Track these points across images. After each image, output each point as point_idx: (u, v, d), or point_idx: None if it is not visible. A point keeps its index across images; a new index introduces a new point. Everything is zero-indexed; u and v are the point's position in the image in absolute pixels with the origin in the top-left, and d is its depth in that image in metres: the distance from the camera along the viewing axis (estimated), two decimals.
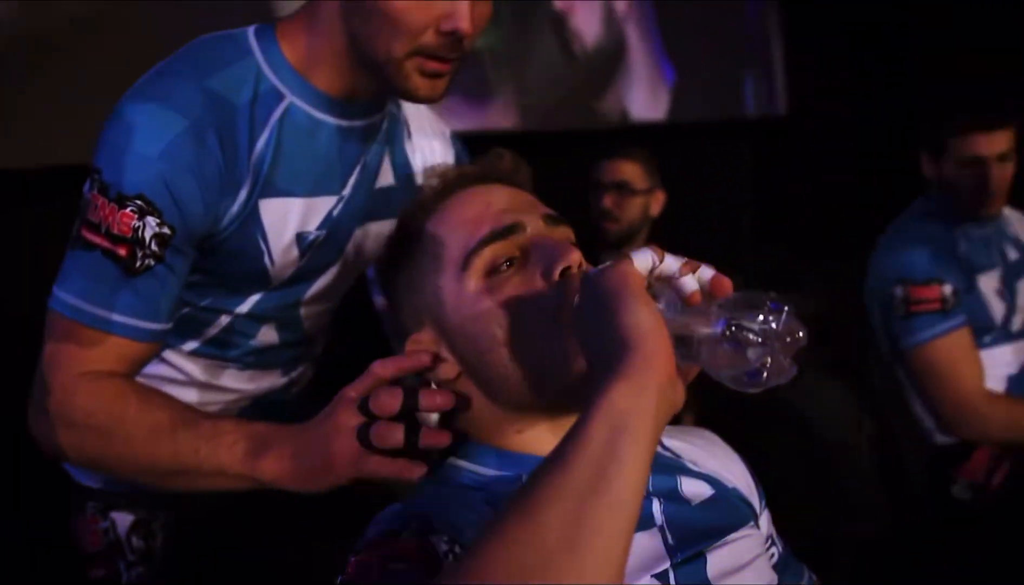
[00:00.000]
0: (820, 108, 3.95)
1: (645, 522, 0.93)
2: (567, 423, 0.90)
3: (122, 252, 1.04)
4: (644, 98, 3.82)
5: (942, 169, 2.04)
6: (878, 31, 3.87)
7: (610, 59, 3.74)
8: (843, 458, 1.98)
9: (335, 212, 1.18)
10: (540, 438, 0.94)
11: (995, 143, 2.00)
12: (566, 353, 0.87)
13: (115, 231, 1.04)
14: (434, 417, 0.98)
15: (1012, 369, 2.06)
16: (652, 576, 0.90)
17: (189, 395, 1.22)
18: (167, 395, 1.09)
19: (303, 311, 1.24)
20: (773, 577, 1.03)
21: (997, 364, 2.03)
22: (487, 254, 0.92)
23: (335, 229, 1.19)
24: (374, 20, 1.04)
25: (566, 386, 0.89)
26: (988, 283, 2.04)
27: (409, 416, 0.95)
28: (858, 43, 3.92)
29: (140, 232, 1.04)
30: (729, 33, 4.01)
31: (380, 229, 1.22)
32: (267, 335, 1.23)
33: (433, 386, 0.97)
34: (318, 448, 0.98)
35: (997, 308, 2.03)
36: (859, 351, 2.37)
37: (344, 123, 1.15)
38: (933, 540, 1.96)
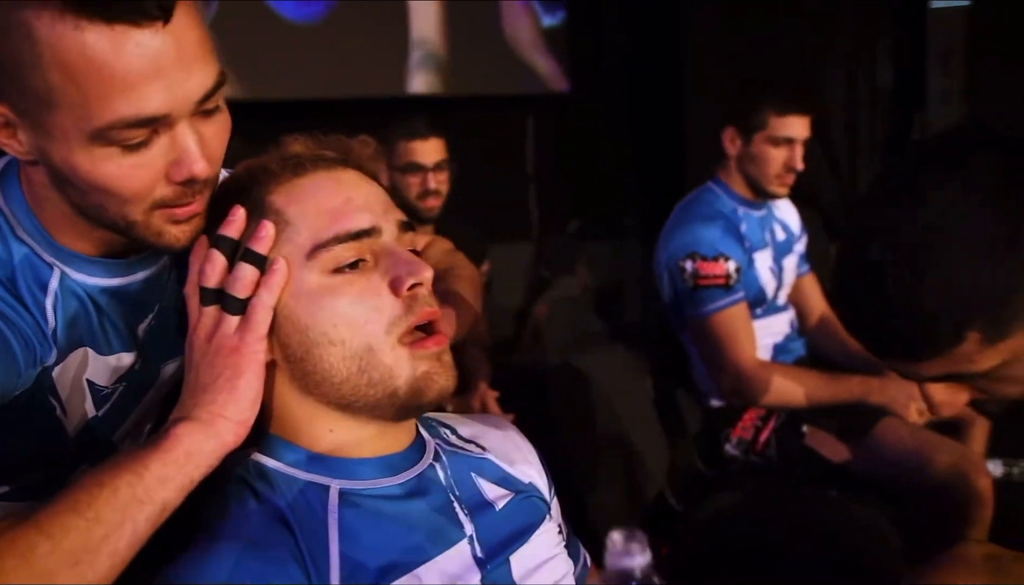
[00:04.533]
0: (599, 86, 4.13)
1: (455, 534, 0.95)
2: (376, 428, 0.94)
3: None
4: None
5: (751, 145, 2.21)
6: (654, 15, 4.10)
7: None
8: (631, 418, 2.12)
9: (136, 366, 1.07)
10: (350, 441, 0.94)
11: (804, 127, 2.21)
12: (392, 367, 0.89)
13: None
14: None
15: (777, 338, 2.30)
16: None
17: None
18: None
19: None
20: (569, 564, 1.10)
21: (764, 334, 2.26)
22: (338, 252, 0.90)
23: (138, 379, 1.08)
24: (92, 194, 0.88)
25: (387, 395, 0.90)
26: (763, 261, 2.25)
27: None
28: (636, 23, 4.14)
29: None
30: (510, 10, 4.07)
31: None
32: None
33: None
34: (205, 369, 0.88)
35: (769, 284, 2.26)
36: (642, 320, 2.53)
37: (123, 281, 1.02)
38: (707, 493, 2.15)
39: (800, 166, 2.20)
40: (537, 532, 1.04)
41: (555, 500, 1.16)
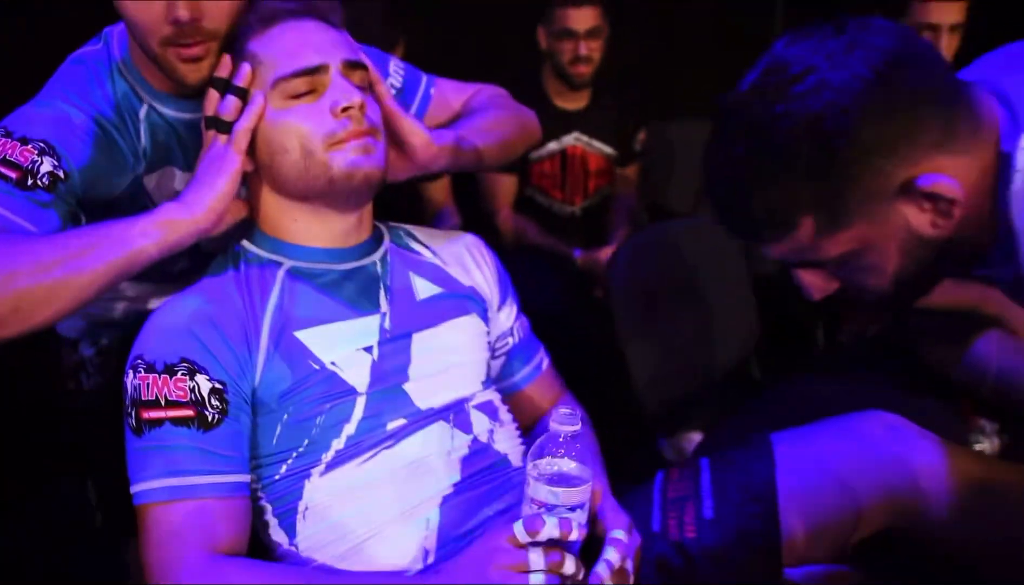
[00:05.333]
0: None
1: (371, 309, 1.23)
2: (327, 217, 1.23)
3: (12, 174, 1.18)
4: None
5: None
6: None
7: None
8: (734, 297, 2.18)
9: None
10: (309, 230, 1.23)
11: (952, 12, 2.07)
12: (326, 162, 1.17)
13: (10, 158, 1.19)
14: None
15: None
16: (362, 348, 1.19)
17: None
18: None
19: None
20: (485, 353, 1.31)
21: None
22: (294, 83, 1.19)
23: None
24: (129, 27, 1.24)
25: (328, 182, 1.18)
26: None
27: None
28: None
29: (36, 166, 1.20)
30: None
31: None
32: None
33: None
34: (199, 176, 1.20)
35: None
36: None
37: (196, 116, 1.30)
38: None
39: (946, 55, 2.05)
40: (451, 323, 1.27)
41: (509, 312, 1.38)
